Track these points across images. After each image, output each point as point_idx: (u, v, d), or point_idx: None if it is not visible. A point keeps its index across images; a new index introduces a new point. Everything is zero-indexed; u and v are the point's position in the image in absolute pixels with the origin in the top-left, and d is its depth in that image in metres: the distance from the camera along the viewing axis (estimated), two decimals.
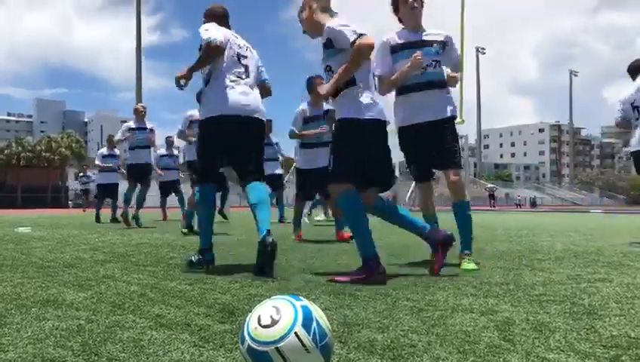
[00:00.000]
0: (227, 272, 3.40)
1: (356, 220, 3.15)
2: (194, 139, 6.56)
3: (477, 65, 63.53)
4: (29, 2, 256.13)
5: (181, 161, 10.40)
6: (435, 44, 3.74)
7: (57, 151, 55.92)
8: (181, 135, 7.70)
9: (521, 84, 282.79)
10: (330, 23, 3.24)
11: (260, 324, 1.36)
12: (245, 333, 1.38)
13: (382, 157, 3.32)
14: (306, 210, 12.13)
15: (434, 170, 3.99)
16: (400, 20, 3.83)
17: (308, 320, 1.36)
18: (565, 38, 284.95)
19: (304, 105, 6.20)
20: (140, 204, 9.36)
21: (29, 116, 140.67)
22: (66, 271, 3.48)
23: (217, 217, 9.27)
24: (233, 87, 3.60)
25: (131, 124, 9.34)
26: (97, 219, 11.27)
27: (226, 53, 3.66)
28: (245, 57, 3.77)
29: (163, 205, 12.45)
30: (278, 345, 1.31)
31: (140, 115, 9.29)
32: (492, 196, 46.71)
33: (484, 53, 64.18)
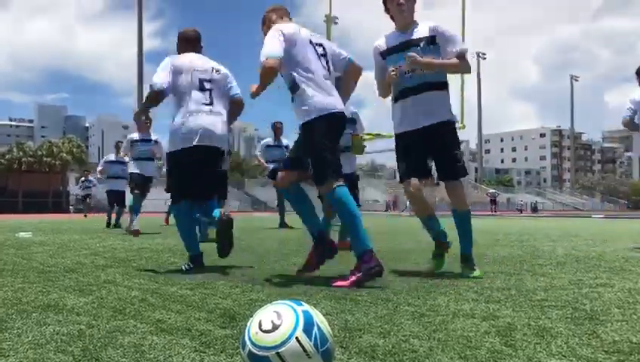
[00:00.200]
0: (228, 277, 3.40)
1: (352, 214, 3.23)
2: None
3: (478, 70, 63.56)
4: (31, 8, 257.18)
5: None
6: (421, 43, 3.47)
7: (58, 156, 55.98)
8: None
9: (522, 88, 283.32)
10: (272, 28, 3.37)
11: (261, 329, 1.36)
12: (246, 338, 1.37)
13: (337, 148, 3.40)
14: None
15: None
16: (392, 19, 3.65)
17: (309, 325, 1.36)
18: (566, 43, 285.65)
19: None
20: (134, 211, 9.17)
21: (30, 121, 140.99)
22: (67, 276, 3.48)
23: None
24: (194, 116, 3.80)
25: (135, 135, 9.13)
26: (108, 224, 11.12)
27: (186, 82, 3.84)
28: (209, 81, 3.91)
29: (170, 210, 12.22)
30: (279, 350, 1.31)
31: (145, 126, 9.05)
32: (493, 201, 46.70)
33: (485, 59, 64.20)
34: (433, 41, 3.46)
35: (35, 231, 9.43)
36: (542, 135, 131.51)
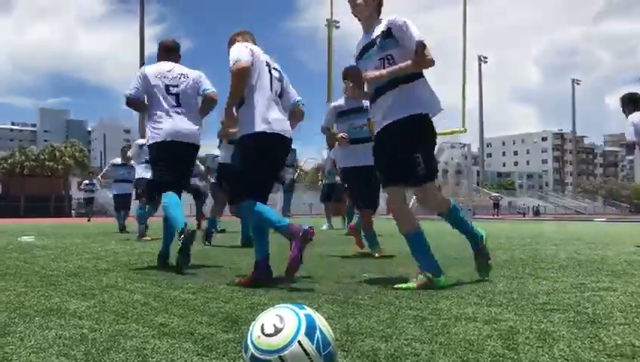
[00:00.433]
0: (230, 281, 3.40)
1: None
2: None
3: (479, 73, 63.66)
4: (33, 12, 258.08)
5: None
6: (377, 40, 3.25)
7: (61, 160, 56.11)
8: None
9: (524, 92, 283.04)
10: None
11: (263, 333, 1.36)
12: (249, 342, 1.38)
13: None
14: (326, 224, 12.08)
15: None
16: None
17: (311, 329, 1.36)
18: (567, 46, 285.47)
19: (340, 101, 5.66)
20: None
21: (33, 125, 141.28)
22: (69, 280, 3.49)
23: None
24: (164, 117, 4.25)
25: (143, 140, 9.03)
26: (122, 229, 10.83)
27: (156, 88, 4.28)
28: (176, 86, 4.33)
29: (198, 212, 11.85)
30: (282, 354, 1.31)
31: None
32: (496, 205, 46.72)
33: (486, 62, 64.26)
34: (389, 35, 3.20)
35: (38, 235, 9.44)
36: (544, 138, 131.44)
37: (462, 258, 4.97)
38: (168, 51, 4.57)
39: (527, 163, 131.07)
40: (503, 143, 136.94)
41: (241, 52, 3.40)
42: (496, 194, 52.31)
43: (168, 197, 4.20)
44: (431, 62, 3.15)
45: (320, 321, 1.41)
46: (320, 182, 13.14)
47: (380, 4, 3.37)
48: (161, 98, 4.27)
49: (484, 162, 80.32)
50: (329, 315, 2.29)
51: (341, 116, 5.32)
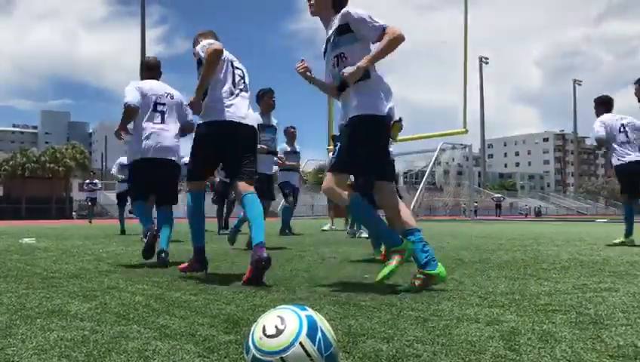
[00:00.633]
0: (231, 282, 3.40)
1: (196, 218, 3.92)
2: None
3: (480, 74, 63.65)
4: (34, 15, 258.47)
5: None
6: (332, 37, 3.22)
7: (62, 162, 56.06)
8: None
9: (525, 93, 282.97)
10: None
11: (264, 334, 1.36)
12: (250, 343, 1.38)
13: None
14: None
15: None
16: None
17: (313, 330, 1.36)
18: (569, 47, 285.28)
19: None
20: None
21: (34, 127, 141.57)
22: (71, 282, 3.49)
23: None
24: (149, 132, 4.60)
25: None
26: (122, 231, 10.78)
27: (145, 104, 4.62)
28: (163, 104, 4.70)
29: (220, 213, 11.60)
30: (283, 355, 1.31)
31: None
32: (499, 206, 46.76)
33: (488, 63, 64.28)
34: (345, 30, 3.12)
35: (39, 236, 9.45)
36: (545, 139, 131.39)
37: (463, 259, 4.97)
38: (152, 69, 4.93)
39: (529, 164, 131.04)
40: (505, 144, 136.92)
41: (214, 42, 3.65)
42: (498, 195, 52.33)
43: (138, 207, 4.84)
44: (401, 38, 3.02)
45: (322, 322, 1.41)
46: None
47: (335, 1, 3.27)
48: (149, 113, 4.63)
49: (485, 163, 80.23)
50: (330, 316, 2.29)
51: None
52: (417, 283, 3.06)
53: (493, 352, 1.76)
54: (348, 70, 3.04)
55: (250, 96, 3.96)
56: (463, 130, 22.94)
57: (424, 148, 30.12)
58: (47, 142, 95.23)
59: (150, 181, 4.69)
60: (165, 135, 4.65)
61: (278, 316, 1.40)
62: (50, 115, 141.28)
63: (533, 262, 4.68)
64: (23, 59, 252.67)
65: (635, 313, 2.42)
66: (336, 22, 3.19)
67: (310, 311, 1.43)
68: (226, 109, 3.63)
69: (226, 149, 3.68)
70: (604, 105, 7.26)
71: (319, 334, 1.37)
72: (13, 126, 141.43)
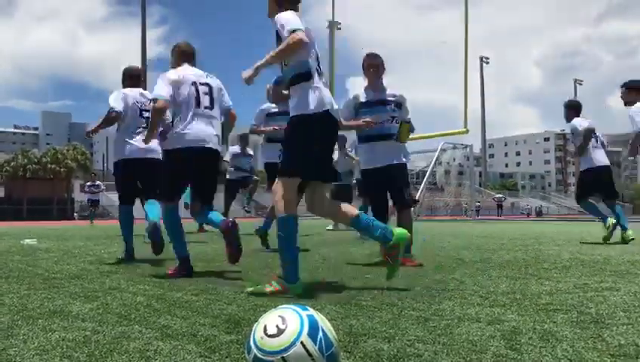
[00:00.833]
0: (232, 283, 3.40)
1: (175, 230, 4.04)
2: (271, 128, 5.85)
3: (481, 74, 63.52)
4: (34, 15, 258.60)
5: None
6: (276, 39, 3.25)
7: (63, 163, 56.17)
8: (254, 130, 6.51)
9: (526, 93, 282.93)
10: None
11: (266, 334, 1.36)
12: (252, 343, 1.38)
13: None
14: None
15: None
16: None
17: (314, 330, 1.36)
18: (569, 47, 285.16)
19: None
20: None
21: (35, 128, 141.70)
22: (72, 283, 3.49)
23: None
24: (134, 136, 4.92)
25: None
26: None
27: (131, 111, 4.95)
28: (147, 111, 4.91)
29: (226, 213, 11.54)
30: (284, 355, 1.32)
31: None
32: (500, 206, 46.73)
33: (488, 63, 64.16)
34: (277, 34, 3.16)
35: (40, 237, 9.46)
36: (546, 139, 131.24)
37: (464, 258, 4.97)
38: (134, 78, 5.27)
39: (530, 163, 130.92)
40: (505, 144, 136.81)
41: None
42: (499, 195, 52.29)
43: (124, 212, 5.13)
44: (297, 43, 3.00)
45: (323, 322, 1.41)
46: None
47: (278, 3, 3.28)
48: (135, 119, 4.96)
49: (486, 163, 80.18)
50: (332, 316, 2.29)
51: (361, 108, 4.80)
52: (390, 259, 3.10)
53: (495, 352, 1.76)
54: (244, 73, 3.08)
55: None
56: (464, 130, 22.90)
57: (425, 148, 30.13)
58: (48, 143, 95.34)
59: (137, 179, 5.04)
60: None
61: (280, 316, 1.40)
62: (51, 116, 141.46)
63: (534, 262, 4.68)
64: (23, 60, 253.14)
65: (636, 312, 2.42)
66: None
67: (311, 311, 1.44)
68: (187, 133, 3.89)
69: (189, 174, 4.02)
70: (573, 108, 7.59)
71: (320, 334, 1.37)
72: (15, 127, 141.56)
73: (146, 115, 4.92)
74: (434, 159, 28.38)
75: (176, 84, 3.94)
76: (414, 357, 1.70)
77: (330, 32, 28.76)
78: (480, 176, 76.46)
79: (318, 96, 3.11)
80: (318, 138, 3.14)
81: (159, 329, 2.11)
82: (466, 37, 22.48)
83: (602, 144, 7.47)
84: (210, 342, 1.90)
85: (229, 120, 4.40)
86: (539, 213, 56.90)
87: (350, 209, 3.26)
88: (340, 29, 29.76)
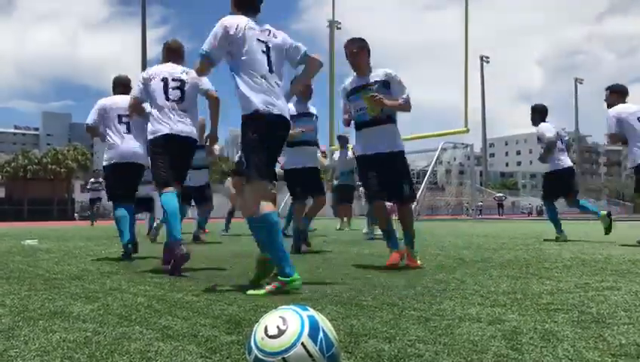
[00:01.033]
0: (233, 284, 3.40)
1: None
2: (299, 131, 5.64)
3: (481, 73, 63.47)
4: (35, 16, 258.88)
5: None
6: None
7: (64, 163, 56.15)
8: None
9: (527, 92, 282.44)
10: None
11: (266, 334, 1.36)
12: (252, 344, 1.38)
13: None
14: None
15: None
16: None
17: (314, 330, 1.36)
18: (570, 46, 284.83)
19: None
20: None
21: (36, 129, 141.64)
22: (73, 283, 3.49)
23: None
24: (116, 141, 5.26)
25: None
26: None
27: (110, 117, 5.32)
28: (126, 116, 5.23)
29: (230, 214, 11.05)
30: (285, 356, 1.31)
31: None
32: (500, 205, 46.68)
33: (488, 62, 64.10)
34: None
35: (41, 238, 9.46)
36: None
37: (465, 258, 4.97)
38: (121, 85, 5.59)
39: (531, 163, 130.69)
40: (506, 143, 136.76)
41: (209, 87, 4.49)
42: (500, 195, 52.20)
43: (118, 212, 5.34)
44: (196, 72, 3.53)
45: (323, 323, 1.41)
46: (328, 182, 13.12)
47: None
48: (115, 125, 5.29)
49: (487, 162, 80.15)
50: (332, 316, 2.29)
51: (349, 97, 4.66)
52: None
53: (495, 351, 1.76)
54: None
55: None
56: (465, 129, 22.91)
57: (425, 147, 30.12)
58: (48, 144, 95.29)
59: (121, 181, 5.32)
60: (132, 144, 5.27)
61: (280, 316, 1.40)
62: (51, 117, 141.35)
63: (535, 261, 4.68)
64: (24, 61, 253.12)
65: (637, 311, 2.42)
66: None
67: (312, 312, 1.44)
68: (163, 124, 4.32)
69: (167, 157, 4.34)
70: (538, 113, 7.96)
71: (321, 334, 1.37)
72: (15, 128, 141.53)
73: (125, 120, 5.31)
74: (434, 158, 28.37)
75: (146, 81, 4.48)
76: (415, 358, 1.70)
77: (330, 31, 28.77)
78: (481, 175, 76.45)
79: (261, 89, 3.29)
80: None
81: (160, 330, 2.11)
82: (466, 36, 22.49)
83: (567, 146, 8.02)
84: (210, 343, 1.90)
85: (210, 103, 4.54)
86: (540, 213, 56.83)
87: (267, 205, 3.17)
88: (339, 28, 29.79)
